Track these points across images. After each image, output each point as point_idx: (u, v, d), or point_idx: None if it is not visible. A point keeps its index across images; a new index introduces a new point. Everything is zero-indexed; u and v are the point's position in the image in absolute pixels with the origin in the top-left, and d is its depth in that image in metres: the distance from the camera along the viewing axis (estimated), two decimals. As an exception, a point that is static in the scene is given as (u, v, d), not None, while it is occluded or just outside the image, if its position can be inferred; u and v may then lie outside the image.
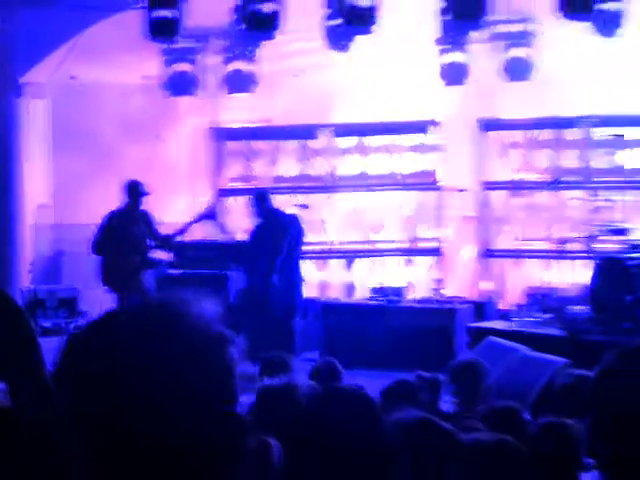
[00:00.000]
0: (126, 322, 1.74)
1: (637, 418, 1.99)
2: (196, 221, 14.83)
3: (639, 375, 2.05)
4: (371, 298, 15.32)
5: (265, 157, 17.07)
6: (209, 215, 15.34)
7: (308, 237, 14.28)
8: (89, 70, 16.51)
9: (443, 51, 15.29)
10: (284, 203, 13.98)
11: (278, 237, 12.88)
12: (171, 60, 15.96)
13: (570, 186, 15.79)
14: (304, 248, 14.13)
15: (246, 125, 17.24)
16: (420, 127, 16.55)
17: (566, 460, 5.16)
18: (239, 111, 17.05)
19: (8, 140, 16.23)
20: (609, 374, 2.10)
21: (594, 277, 13.35)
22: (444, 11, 13.38)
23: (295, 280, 13.13)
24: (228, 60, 16.03)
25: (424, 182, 16.64)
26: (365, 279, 16.20)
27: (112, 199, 13.83)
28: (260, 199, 13.25)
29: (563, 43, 14.43)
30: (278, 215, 13.29)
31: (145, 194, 13.59)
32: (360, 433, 3.25)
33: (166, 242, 13.96)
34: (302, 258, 13.96)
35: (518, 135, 16.63)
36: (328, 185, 16.73)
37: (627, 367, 2.13)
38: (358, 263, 16.38)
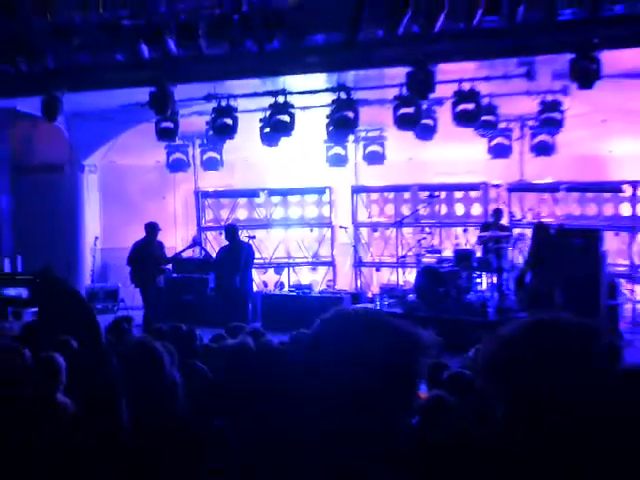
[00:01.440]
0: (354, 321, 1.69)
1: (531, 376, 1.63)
2: (188, 247, 14.91)
3: (534, 344, 1.70)
4: (291, 291, 15.35)
5: (227, 208, 16.94)
6: (195, 243, 15.42)
7: (255, 255, 14.15)
8: (123, 157, 16.59)
9: (329, 147, 15.34)
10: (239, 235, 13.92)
11: (239, 255, 12.96)
12: (171, 151, 15.94)
13: (406, 225, 15.96)
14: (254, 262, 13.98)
15: (216, 189, 17.14)
16: (320, 190, 16.65)
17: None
18: (211, 181, 16.98)
19: (76, 198, 16.26)
20: (510, 343, 1.78)
21: (418, 278, 13.63)
22: (328, 124, 13.48)
23: (248, 280, 13.16)
24: (205, 151, 16.06)
25: (322, 222, 16.68)
26: (288, 280, 16.16)
27: (137, 234, 13.78)
28: (230, 230, 13.33)
29: (401, 142, 14.54)
30: (240, 242, 13.32)
31: (158, 231, 13.65)
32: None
33: (171, 260, 14.00)
34: (253, 268, 13.85)
35: (376, 195, 16.72)
36: (266, 224, 16.73)
37: (525, 337, 1.80)
38: (284, 270, 16.30)
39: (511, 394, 1.65)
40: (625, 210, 14.41)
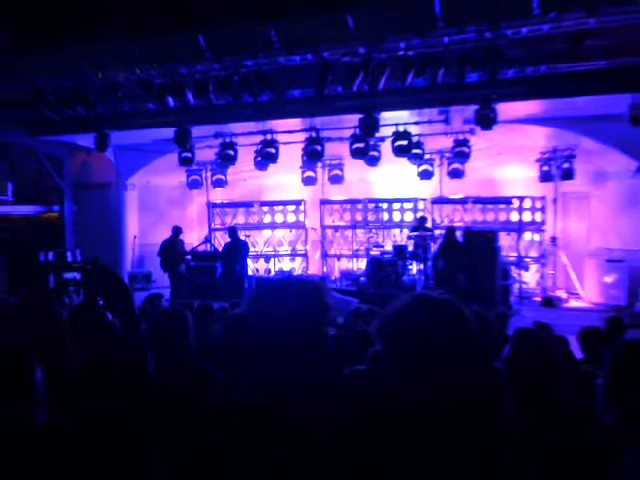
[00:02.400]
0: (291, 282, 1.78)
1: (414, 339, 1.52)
2: (201, 243, 14.86)
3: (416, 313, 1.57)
4: (276, 275, 15.19)
5: (230, 215, 16.77)
6: (207, 240, 15.35)
7: (250, 249, 14.08)
8: (155, 178, 16.38)
9: (303, 171, 15.31)
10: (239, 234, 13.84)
11: (238, 249, 12.94)
12: (189, 174, 15.76)
13: (359, 227, 16.01)
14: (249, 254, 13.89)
15: (222, 201, 16.96)
16: (297, 202, 16.49)
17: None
18: (219, 195, 16.81)
19: (120, 209, 16.10)
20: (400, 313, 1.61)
21: (367, 266, 13.70)
22: (303, 155, 13.48)
23: (245, 268, 13.13)
24: (214, 174, 15.84)
25: (299, 225, 16.54)
26: (274, 267, 16.10)
27: (165, 233, 13.77)
28: (232, 231, 13.29)
29: (355, 167, 14.53)
30: (239, 239, 13.28)
31: (180, 231, 13.61)
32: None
33: (190, 253, 13.93)
34: (248, 258, 13.75)
35: (337, 206, 16.51)
36: (258, 227, 16.58)
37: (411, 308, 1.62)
38: (271, 260, 16.20)
39: (396, 355, 1.57)
40: (514, 217, 14.65)
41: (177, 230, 13.67)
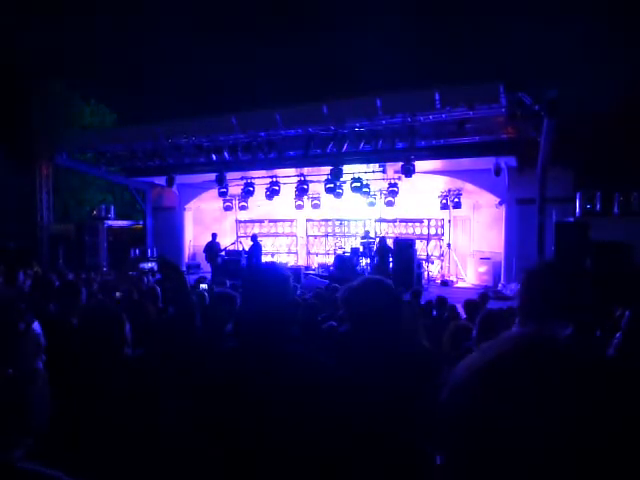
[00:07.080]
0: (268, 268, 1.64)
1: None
2: (232, 244, 14.66)
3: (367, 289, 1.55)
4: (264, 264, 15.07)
5: (250, 227, 16.40)
6: (234, 243, 15.17)
7: (262, 249, 13.86)
8: (203, 204, 16.20)
9: (295, 200, 14.84)
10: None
11: (256, 249, 12.83)
12: (225, 202, 15.24)
13: (330, 235, 15.87)
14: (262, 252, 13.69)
15: (245, 219, 16.64)
16: (291, 220, 16.22)
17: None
18: (243, 215, 16.47)
19: (181, 223, 15.87)
20: (350, 289, 1.57)
21: (335, 260, 13.46)
22: (295, 191, 13.41)
23: (259, 260, 12.97)
24: (240, 201, 15.38)
25: (292, 234, 16.28)
26: (277, 260, 15.90)
27: (208, 238, 13.47)
28: (254, 238, 13.11)
29: (328, 199, 14.20)
30: (256, 242, 13.13)
31: (216, 237, 13.37)
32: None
33: (224, 250, 13.67)
34: (262, 255, 13.55)
35: (317, 222, 16.21)
36: (267, 235, 16.25)
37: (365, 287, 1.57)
38: (275, 256, 16.01)
39: (352, 316, 1.56)
40: (424, 230, 14.66)
41: (214, 235, 13.40)
